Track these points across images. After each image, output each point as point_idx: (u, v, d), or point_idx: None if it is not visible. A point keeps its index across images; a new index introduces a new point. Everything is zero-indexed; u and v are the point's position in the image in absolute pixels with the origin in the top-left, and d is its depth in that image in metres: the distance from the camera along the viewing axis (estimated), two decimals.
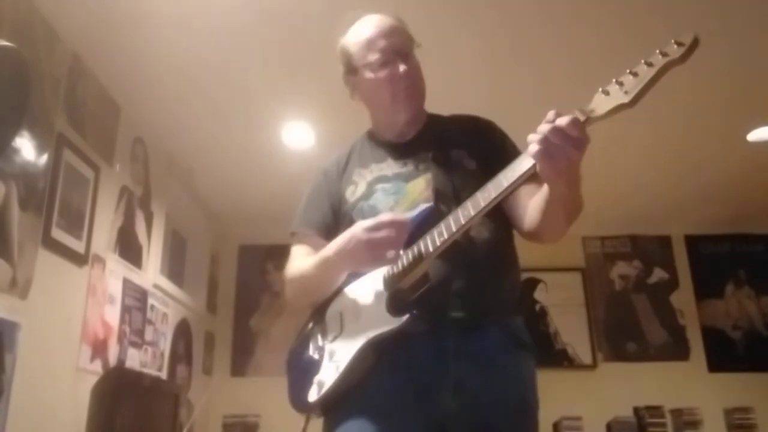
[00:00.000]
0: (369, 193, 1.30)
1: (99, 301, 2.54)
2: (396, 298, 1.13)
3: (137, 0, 2.22)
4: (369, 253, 1.12)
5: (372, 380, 1.15)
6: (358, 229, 1.13)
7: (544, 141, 0.94)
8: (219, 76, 2.68)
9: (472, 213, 1.05)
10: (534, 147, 0.95)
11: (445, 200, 1.20)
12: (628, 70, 0.91)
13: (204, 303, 4.05)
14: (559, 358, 4.29)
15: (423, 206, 1.18)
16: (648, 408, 3.99)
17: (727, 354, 4.29)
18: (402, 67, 1.29)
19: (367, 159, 1.37)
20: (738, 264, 4.51)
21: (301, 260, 1.34)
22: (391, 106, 1.34)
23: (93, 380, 2.38)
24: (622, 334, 4.35)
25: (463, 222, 1.06)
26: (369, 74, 1.33)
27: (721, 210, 4.25)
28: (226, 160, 3.49)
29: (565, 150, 0.94)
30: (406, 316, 1.10)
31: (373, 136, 1.43)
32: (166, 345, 3.33)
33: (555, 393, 4.03)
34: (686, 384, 4.15)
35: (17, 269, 1.98)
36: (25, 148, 2.06)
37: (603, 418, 4.00)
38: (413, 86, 1.33)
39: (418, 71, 1.35)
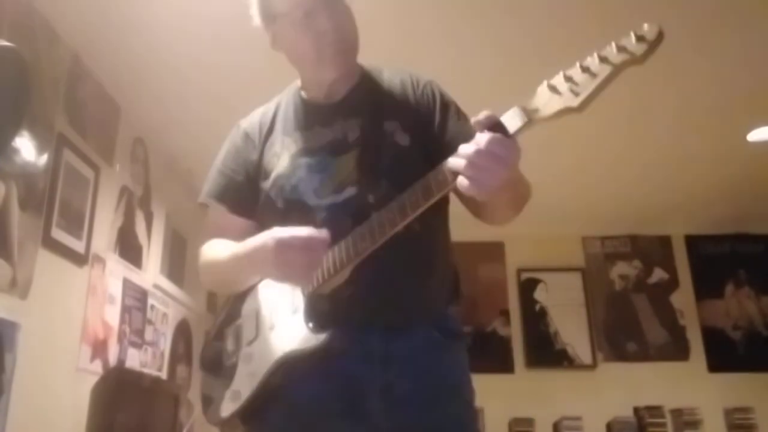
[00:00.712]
0: (292, 168, 1.15)
1: (99, 301, 2.54)
2: (315, 308, 1.04)
3: (137, 0, 2.22)
4: (277, 272, 1.02)
5: (294, 390, 1.06)
6: (271, 241, 1.00)
7: (470, 169, 0.87)
8: (219, 76, 2.68)
9: (398, 220, 0.97)
10: (462, 181, 0.88)
11: (373, 185, 1.09)
12: (578, 64, 0.80)
13: (204, 303, 4.05)
14: (559, 358, 4.29)
15: (348, 193, 1.09)
16: (648, 408, 3.99)
17: (727, 354, 4.29)
18: (327, 21, 1.12)
19: (291, 124, 1.22)
20: (738, 264, 4.50)
21: (215, 247, 1.21)
22: (316, 64, 1.16)
23: (93, 380, 2.38)
24: (622, 334, 4.35)
25: (387, 229, 0.98)
26: (289, 27, 1.16)
27: (721, 210, 4.24)
28: None
29: (494, 172, 0.86)
30: (325, 335, 1.00)
31: (299, 96, 1.26)
32: (166, 345, 3.33)
33: (555, 393, 4.07)
34: (686, 384, 4.15)
35: (17, 269, 1.98)
36: (25, 148, 2.06)
37: (603, 418, 4.00)
38: (340, 41, 1.15)
39: (347, 21, 1.17)
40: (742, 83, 2.80)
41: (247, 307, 1.17)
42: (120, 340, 2.72)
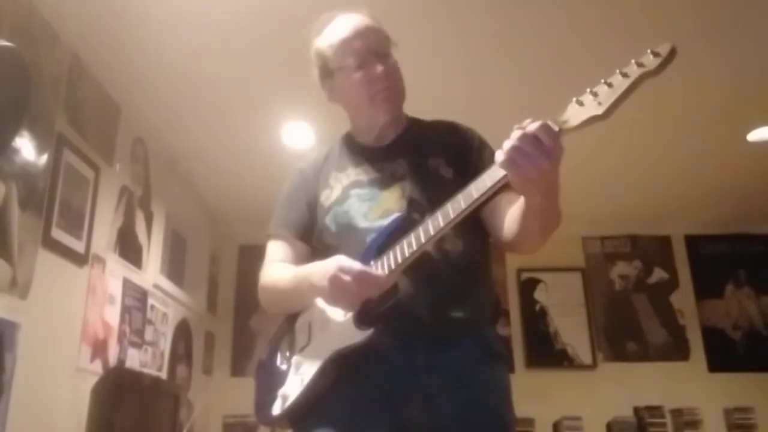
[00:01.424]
0: (343, 198, 1.27)
1: (99, 301, 2.54)
2: (363, 310, 1.10)
3: (138, 0, 2.22)
4: (329, 293, 1.09)
5: (339, 392, 1.13)
6: (333, 264, 1.09)
7: (512, 149, 0.92)
8: (219, 76, 2.69)
9: (442, 224, 1.03)
10: (501, 155, 0.93)
11: (419, 210, 1.17)
12: (602, 80, 0.90)
13: (204, 303, 4.05)
14: (559, 358, 4.29)
15: (395, 215, 1.16)
16: (648, 408, 3.99)
17: (727, 354, 4.29)
18: (379, 68, 1.26)
19: (344, 162, 1.34)
20: (738, 264, 4.51)
21: (276, 268, 1.31)
22: (369, 109, 1.30)
23: (93, 380, 2.38)
24: (622, 334, 4.35)
25: (432, 233, 1.04)
26: (346, 77, 1.29)
27: (721, 210, 4.25)
28: (226, 160, 3.50)
29: (535, 159, 0.91)
30: (371, 330, 1.07)
31: (351, 139, 1.40)
32: (166, 345, 3.33)
33: (555, 393, 4.07)
34: (686, 384, 4.15)
35: (17, 269, 1.98)
36: (25, 148, 2.06)
37: (603, 418, 4.00)
38: (392, 87, 1.29)
39: (397, 71, 1.31)
40: (742, 83, 2.80)
41: (300, 321, 1.26)
42: (120, 340, 2.72)
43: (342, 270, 1.07)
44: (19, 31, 2.03)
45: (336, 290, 1.07)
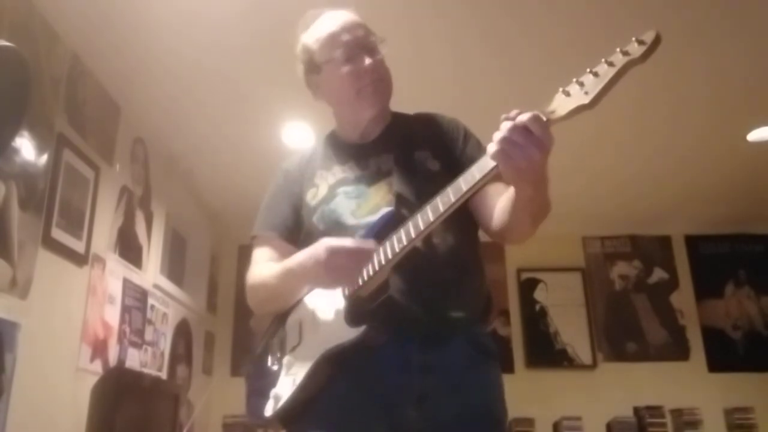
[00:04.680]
0: (330, 196, 1.26)
1: (99, 301, 2.54)
2: (355, 308, 1.10)
3: (137, 0, 2.22)
4: (327, 276, 1.08)
5: (332, 392, 1.12)
6: (321, 248, 1.09)
7: (504, 141, 0.91)
8: (219, 76, 2.68)
9: (431, 218, 1.02)
10: (493, 147, 0.93)
11: (408, 204, 1.15)
12: (588, 70, 0.90)
13: (204, 303, 4.05)
14: (559, 358, 4.29)
15: (384, 211, 1.15)
16: (648, 408, 3.99)
17: (727, 354, 4.29)
18: (367, 61, 1.25)
19: (329, 161, 1.33)
20: (738, 264, 4.51)
21: (263, 267, 1.30)
22: (356, 102, 1.28)
23: (93, 380, 2.38)
24: (622, 334, 4.35)
25: (422, 227, 1.03)
26: (333, 70, 1.28)
27: (721, 210, 4.25)
28: (226, 160, 3.49)
29: (526, 150, 0.91)
30: (363, 327, 1.06)
31: (336, 137, 1.39)
32: (166, 345, 3.33)
33: (555, 393, 4.07)
34: (686, 384, 4.15)
35: (17, 269, 1.98)
36: (25, 148, 2.06)
37: (603, 418, 4.00)
38: (380, 80, 1.28)
39: (384, 65, 1.30)
40: (742, 83, 2.80)
41: (291, 320, 1.24)
42: (120, 340, 2.72)
43: (334, 251, 1.07)
44: (19, 31, 2.03)
45: (334, 272, 1.07)
